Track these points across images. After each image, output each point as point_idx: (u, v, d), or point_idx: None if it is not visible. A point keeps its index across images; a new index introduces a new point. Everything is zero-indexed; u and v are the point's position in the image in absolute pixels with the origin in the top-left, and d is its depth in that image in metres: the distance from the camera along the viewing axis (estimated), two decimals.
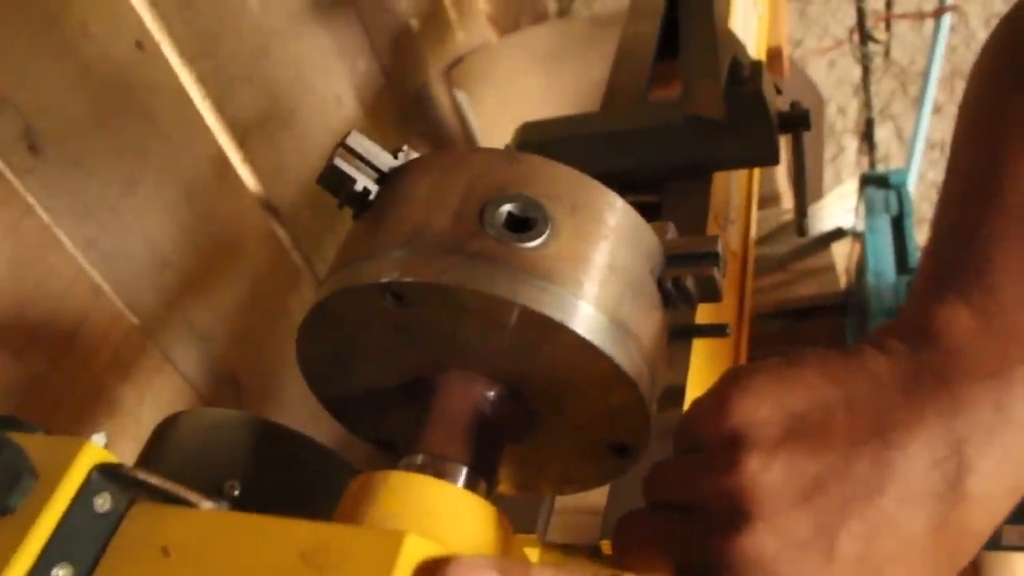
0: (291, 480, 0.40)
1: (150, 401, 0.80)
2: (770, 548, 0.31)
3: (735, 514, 0.31)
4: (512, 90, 1.41)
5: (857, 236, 1.16)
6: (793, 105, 0.68)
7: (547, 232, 0.34)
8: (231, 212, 0.92)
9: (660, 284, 0.38)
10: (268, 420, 0.41)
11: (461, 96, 1.40)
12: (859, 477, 0.31)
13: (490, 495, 0.37)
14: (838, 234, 1.18)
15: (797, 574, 0.31)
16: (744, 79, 0.63)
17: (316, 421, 0.43)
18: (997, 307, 0.33)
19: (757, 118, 0.62)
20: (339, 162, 0.37)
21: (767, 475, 0.31)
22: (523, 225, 0.34)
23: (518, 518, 0.49)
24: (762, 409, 0.33)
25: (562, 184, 0.36)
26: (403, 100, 1.30)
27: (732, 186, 0.71)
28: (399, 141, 0.39)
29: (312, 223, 1.03)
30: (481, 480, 0.36)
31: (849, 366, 0.34)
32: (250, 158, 0.93)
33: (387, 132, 1.25)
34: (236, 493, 0.38)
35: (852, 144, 1.94)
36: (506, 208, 0.34)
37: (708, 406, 0.35)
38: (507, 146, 0.67)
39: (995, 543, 1.05)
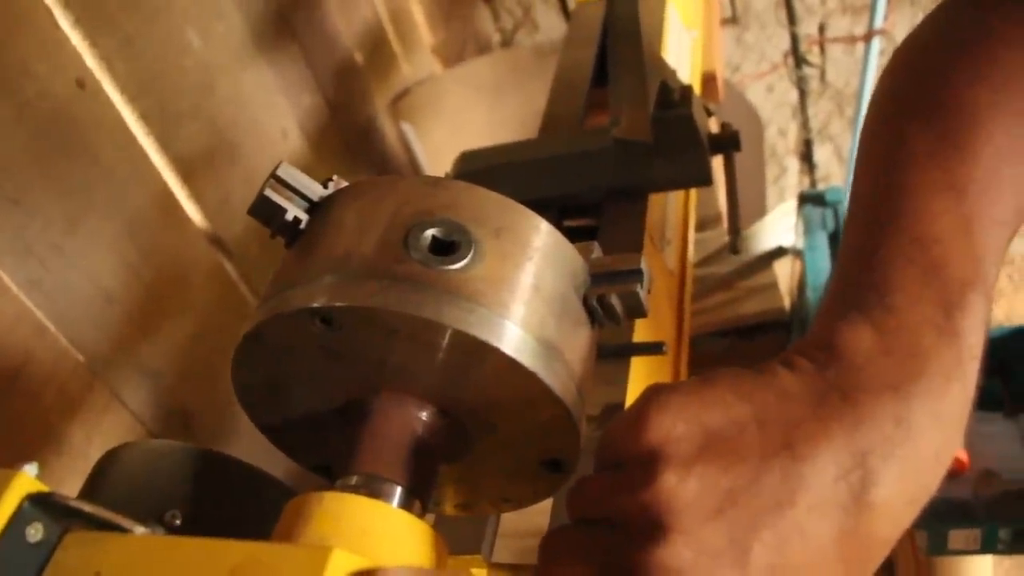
0: (233, 508, 0.41)
1: (99, 439, 0.79)
2: (686, 559, 0.32)
3: (652, 527, 0.32)
4: (458, 121, 1.43)
5: (797, 254, 1.18)
6: (723, 127, 0.70)
7: (471, 254, 0.35)
8: (178, 248, 0.92)
9: (585, 302, 0.39)
10: (209, 449, 0.41)
11: (407, 128, 1.41)
12: (770, 489, 0.32)
13: (424, 514, 0.37)
14: (779, 252, 1.21)
15: None
16: (674, 103, 0.65)
17: (271, 453, 0.43)
18: (896, 325, 0.35)
19: (687, 141, 0.64)
20: (270, 193, 0.38)
21: (683, 489, 0.32)
22: (448, 248, 0.35)
23: (465, 539, 0.50)
24: (679, 426, 0.34)
25: (486, 208, 0.37)
26: (349, 133, 1.31)
27: (668, 207, 0.73)
28: (346, 174, 0.40)
29: (260, 256, 1.03)
30: (416, 500, 0.37)
31: (760, 384, 0.35)
32: (196, 194, 0.94)
33: (334, 165, 1.26)
34: (178, 523, 0.38)
35: (794, 164, 1.98)
36: (430, 232, 0.35)
37: (627, 423, 0.35)
38: (446, 174, 0.68)
39: (943, 548, 1.07)
